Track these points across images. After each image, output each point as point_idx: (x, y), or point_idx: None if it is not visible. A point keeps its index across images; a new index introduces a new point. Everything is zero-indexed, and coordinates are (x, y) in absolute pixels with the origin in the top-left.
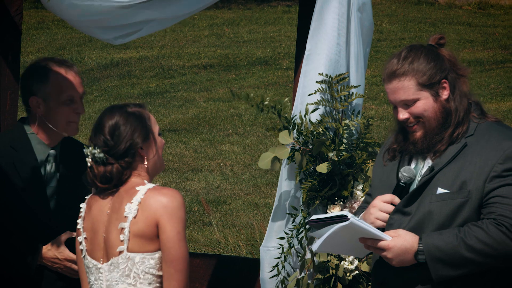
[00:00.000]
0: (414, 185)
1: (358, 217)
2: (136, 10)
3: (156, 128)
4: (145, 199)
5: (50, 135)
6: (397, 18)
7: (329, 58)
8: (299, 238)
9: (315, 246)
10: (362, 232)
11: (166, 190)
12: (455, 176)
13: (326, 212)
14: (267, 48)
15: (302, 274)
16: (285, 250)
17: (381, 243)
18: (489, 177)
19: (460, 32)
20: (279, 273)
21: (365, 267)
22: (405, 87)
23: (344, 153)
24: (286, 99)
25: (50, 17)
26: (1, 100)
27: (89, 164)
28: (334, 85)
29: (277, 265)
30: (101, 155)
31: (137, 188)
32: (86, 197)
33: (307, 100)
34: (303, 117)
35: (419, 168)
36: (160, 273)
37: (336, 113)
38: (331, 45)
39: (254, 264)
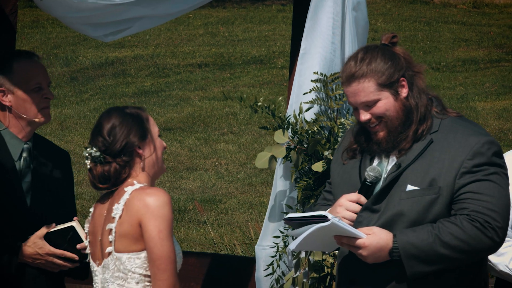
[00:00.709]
0: (380, 183)
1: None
2: (127, 7)
3: (155, 129)
4: (130, 199)
5: (23, 128)
6: (392, 17)
7: (324, 57)
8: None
9: (292, 245)
10: (340, 231)
11: (150, 190)
12: (424, 173)
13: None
14: (261, 47)
15: (297, 273)
16: (280, 248)
17: (358, 242)
18: (459, 173)
19: (455, 31)
20: (274, 271)
21: None
22: (365, 89)
23: None
24: (280, 98)
25: (45, 16)
26: None
27: (88, 166)
28: (329, 84)
29: (272, 263)
30: (98, 153)
31: (125, 189)
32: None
33: (302, 99)
34: (298, 116)
35: (383, 166)
36: (149, 272)
37: (331, 112)
38: (326, 44)
39: (249, 263)
